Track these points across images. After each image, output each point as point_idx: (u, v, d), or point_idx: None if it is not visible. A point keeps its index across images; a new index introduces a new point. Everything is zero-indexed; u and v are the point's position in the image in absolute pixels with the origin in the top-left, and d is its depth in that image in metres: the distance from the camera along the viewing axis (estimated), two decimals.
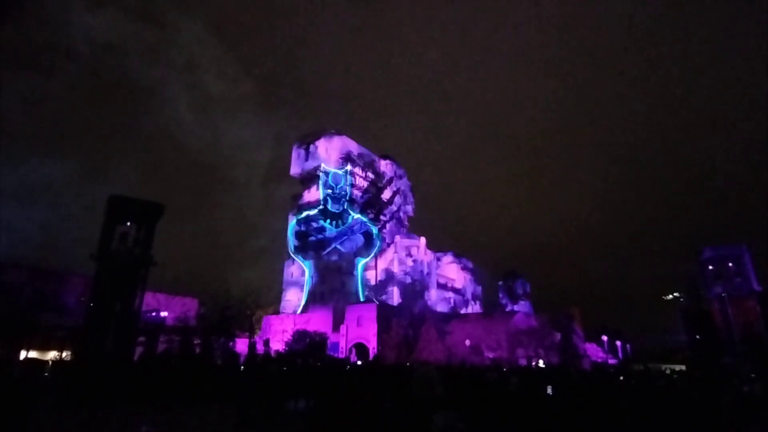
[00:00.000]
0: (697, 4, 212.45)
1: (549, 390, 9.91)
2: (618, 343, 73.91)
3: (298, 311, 77.93)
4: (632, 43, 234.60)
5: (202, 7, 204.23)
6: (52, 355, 36.15)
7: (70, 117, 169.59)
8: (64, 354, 35.83)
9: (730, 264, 70.57)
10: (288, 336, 49.41)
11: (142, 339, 33.59)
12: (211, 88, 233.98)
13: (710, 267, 71.73)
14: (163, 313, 45.96)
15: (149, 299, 42.16)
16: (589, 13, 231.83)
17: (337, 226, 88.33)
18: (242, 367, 28.07)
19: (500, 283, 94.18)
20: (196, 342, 34.60)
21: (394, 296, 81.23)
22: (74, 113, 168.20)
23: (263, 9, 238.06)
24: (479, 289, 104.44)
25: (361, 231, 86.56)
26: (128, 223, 26.68)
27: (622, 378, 20.08)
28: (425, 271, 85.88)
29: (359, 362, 47.44)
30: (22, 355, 34.51)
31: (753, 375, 23.04)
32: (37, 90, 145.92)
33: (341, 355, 57.67)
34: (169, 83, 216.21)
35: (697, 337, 63.24)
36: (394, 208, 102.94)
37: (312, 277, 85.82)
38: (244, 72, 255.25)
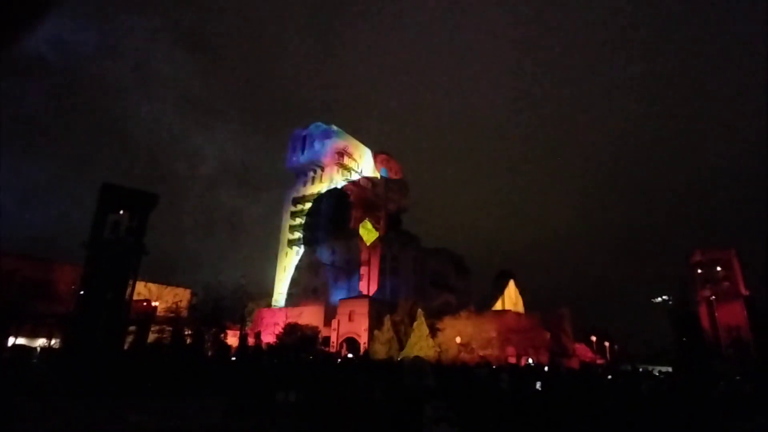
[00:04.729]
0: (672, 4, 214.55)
1: (538, 386, 10.05)
2: (606, 343, 74.64)
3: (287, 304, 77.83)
4: (621, 47, 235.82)
5: (157, 8, 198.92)
6: (40, 342, 35.91)
7: (41, 116, 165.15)
8: (52, 341, 35.58)
9: (719, 268, 71.51)
10: (280, 329, 49.43)
11: (132, 328, 33.41)
12: (174, 89, 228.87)
13: (699, 270, 72.68)
14: (155, 303, 45.74)
15: (140, 289, 41.91)
16: (574, 15, 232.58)
17: (331, 221, 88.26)
18: (233, 359, 28.08)
19: (492, 281, 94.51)
20: (187, 333, 34.47)
21: (386, 292, 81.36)
22: (47, 112, 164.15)
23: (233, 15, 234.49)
24: (471, 287, 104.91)
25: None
26: (121, 212, 26.49)
27: (609, 377, 20.32)
28: (417, 267, 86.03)
29: (350, 356, 47.60)
30: (10, 341, 34.23)
31: (738, 377, 23.36)
32: (10, 95, 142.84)
33: (332, 350, 57.79)
34: (129, 82, 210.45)
35: (684, 339, 64.01)
36: (388, 204, 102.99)
37: (305, 271, 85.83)
38: (211, 73, 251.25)
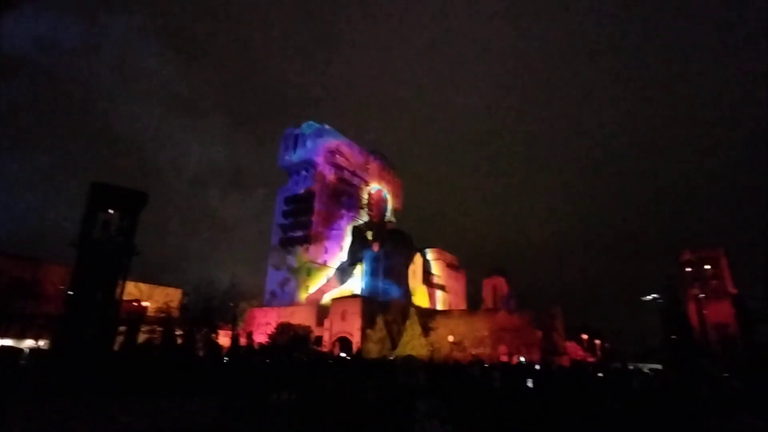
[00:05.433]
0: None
1: (529, 383, 10.13)
2: (597, 341, 75.40)
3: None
4: (610, 51, 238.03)
5: (141, 5, 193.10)
6: (28, 343, 35.39)
7: (26, 114, 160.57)
8: (40, 342, 35.09)
9: (708, 267, 72.47)
10: (272, 329, 49.21)
11: (122, 329, 33.06)
12: (157, 89, 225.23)
13: (688, 269, 73.62)
14: (145, 303, 45.30)
15: (131, 289, 41.48)
16: (567, 18, 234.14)
17: (322, 220, 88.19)
18: (225, 359, 27.92)
19: (485, 280, 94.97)
20: (178, 333, 34.19)
21: (379, 291, 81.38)
22: (31, 111, 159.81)
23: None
24: (464, 286, 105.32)
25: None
26: (110, 211, 26.21)
27: (600, 375, 20.51)
28: (411, 266, 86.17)
29: (343, 354, 47.54)
30: None
31: (726, 374, 23.66)
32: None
33: (325, 349, 57.69)
34: (114, 81, 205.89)
35: (673, 337, 64.84)
36: (381, 203, 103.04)
37: (297, 270, 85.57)
38: (194, 71, 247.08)
